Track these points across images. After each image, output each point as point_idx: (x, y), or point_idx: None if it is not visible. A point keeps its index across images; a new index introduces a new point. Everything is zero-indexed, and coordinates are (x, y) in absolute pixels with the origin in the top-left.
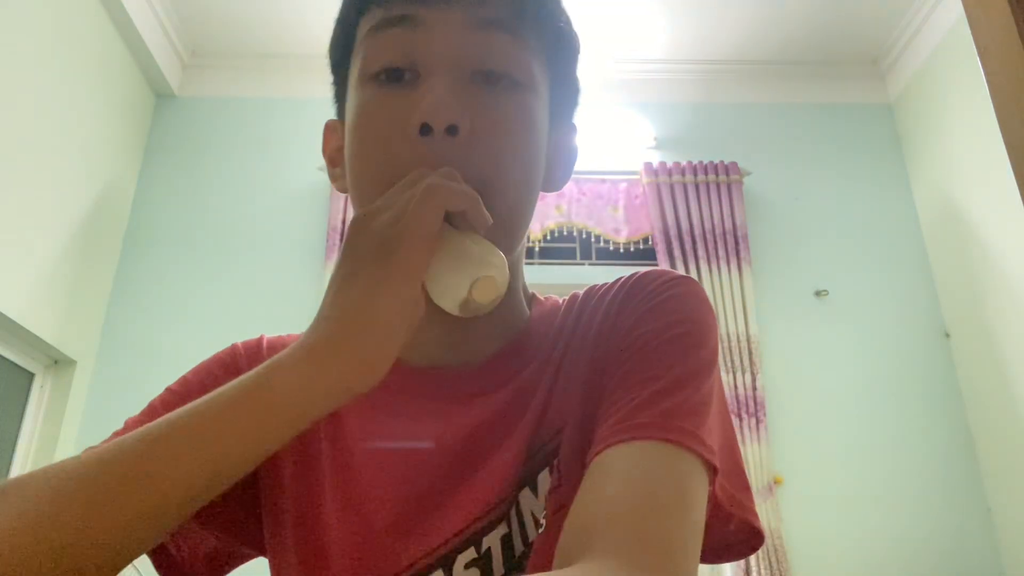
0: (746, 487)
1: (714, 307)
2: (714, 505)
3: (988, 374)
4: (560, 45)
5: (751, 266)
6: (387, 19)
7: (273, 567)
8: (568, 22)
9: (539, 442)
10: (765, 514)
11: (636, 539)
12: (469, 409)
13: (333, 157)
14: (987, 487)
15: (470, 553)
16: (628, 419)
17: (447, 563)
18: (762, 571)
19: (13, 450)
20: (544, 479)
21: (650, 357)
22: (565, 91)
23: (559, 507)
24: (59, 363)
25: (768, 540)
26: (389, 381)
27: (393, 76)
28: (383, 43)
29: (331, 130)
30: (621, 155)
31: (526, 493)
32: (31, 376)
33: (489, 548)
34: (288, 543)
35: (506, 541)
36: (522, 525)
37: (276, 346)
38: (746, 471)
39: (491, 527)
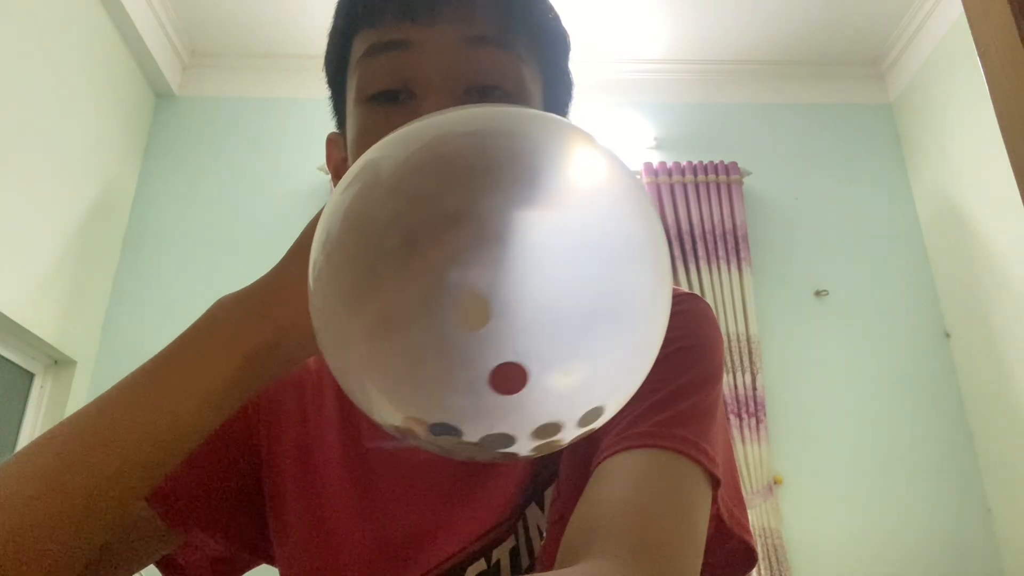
0: (743, 505)
1: (714, 307)
2: (716, 522)
3: (988, 374)
4: (550, 45)
5: (751, 266)
6: (380, 43)
7: (282, 572)
8: (556, 19)
9: (545, 459)
10: (765, 514)
11: (635, 540)
12: None
13: (338, 169)
14: (987, 487)
15: (480, 565)
16: (629, 429)
17: (458, 574)
18: (762, 571)
19: (13, 450)
20: (550, 494)
21: (652, 370)
22: (558, 88)
23: (559, 518)
24: (59, 363)
25: (768, 540)
26: None
27: (389, 97)
28: (377, 67)
29: (333, 143)
30: (621, 155)
31: (532, 508)
32: (31, 376)
33: (498, 561)
34: (295, 549)
35: (514, 554)
36: (528, 538)
37: None
38: (746, 474)
39: (500, 540)
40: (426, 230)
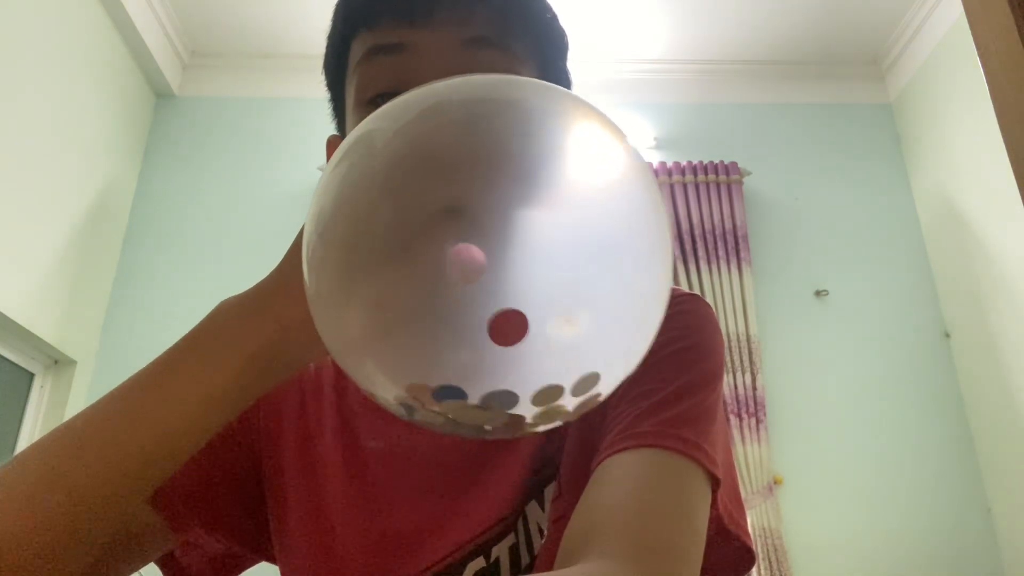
0: (742, 507)
1: (714, 307)
2: (716, 523)
3: (988, 374)
4: (548, 44)
5: (751, 266)
6: (378, 46)
7: (283, 570)
8: (554, 18)
9: (545, 456)
10: (765, 514)
11: (634, 541)
12: None
13: None
14: (987, 487)
15: (479, 562)
16: (630, 428)
17: (457, 571)
18: (762, 571)
19: (13, 450)
20: (550, 492)
21: (653, 370)
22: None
23: (559, 517)
24: (59, 363)
25: (768, 540)
26: None
27: (388, 100)
28: (375, 71)
29: (332, 146)
30: None
31: (533, 506)
32: (31, 376)
33: (498, 558)
34: (296, 547)
35: (514, 551)
36: (528, 536)
37: None
38: (746, 474)
39: (500, 537)
40: (420, 207)
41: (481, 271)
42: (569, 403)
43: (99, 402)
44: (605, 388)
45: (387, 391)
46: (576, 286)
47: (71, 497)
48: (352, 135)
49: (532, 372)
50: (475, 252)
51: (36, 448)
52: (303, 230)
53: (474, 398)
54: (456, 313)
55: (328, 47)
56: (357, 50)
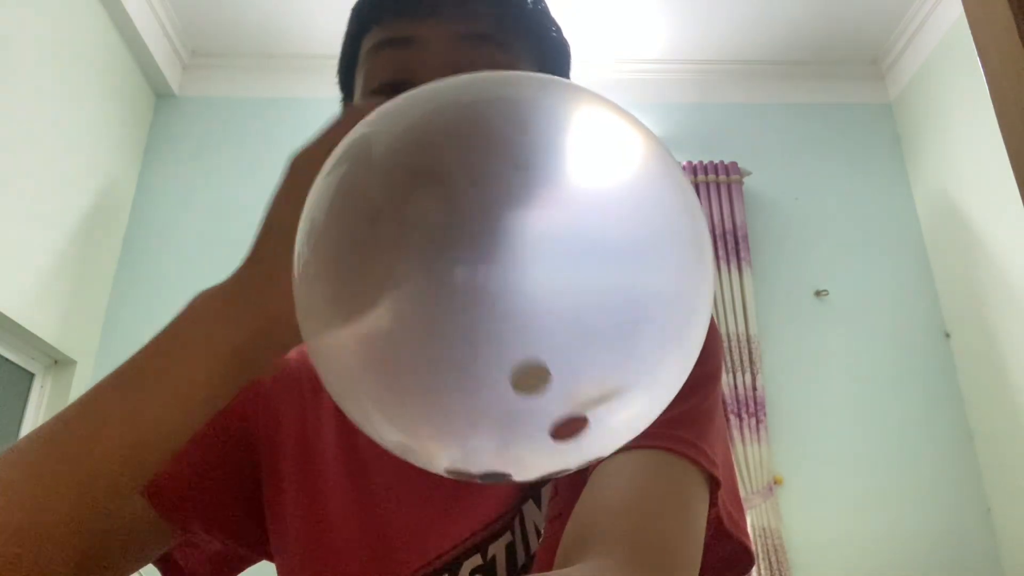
0: (741, 508)
1: (714, 307)
2: (716, 524)
3: (988, 374)
4: (550, 52)
5: (751, 266)
6: (385, 40)
7: (280, 569)
8: (558, 30)
9: None
10: (765, 514)
11: (633, 541)
12: None
13: None
14: (987, 487)
15: (476, 560)
16: None
17: (454, 568)
18: (762, 571)
19: None
20: (547, 491)
21: None
22: None
23: (556, 515)
24: (59, 363)
25: (768, 540)
26: None
27: (392, 91)
28: (381, 62)
29: None
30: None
31: (530, 505)
32: (31, 376)
33: (494, 556)
34: (293, 545)
35: (510, 550)
36: (525, 535)
37: None
38: (746, 474)
39: (497, 535)
40: (427, 217)
41: (547, 382)
42: (572, 465)
43: (79, 399)
44: (609, 452)
45: (386, 433)
46: (606, 349)
47: (55, 490)
48: (348, 138)
49: (582, 453)
50: (539, 367)
51: (14, 450)
52: (271, 207)
53: (519, 477)
54: (468, 363)
55: (342, 48)
56: (366, 46)
